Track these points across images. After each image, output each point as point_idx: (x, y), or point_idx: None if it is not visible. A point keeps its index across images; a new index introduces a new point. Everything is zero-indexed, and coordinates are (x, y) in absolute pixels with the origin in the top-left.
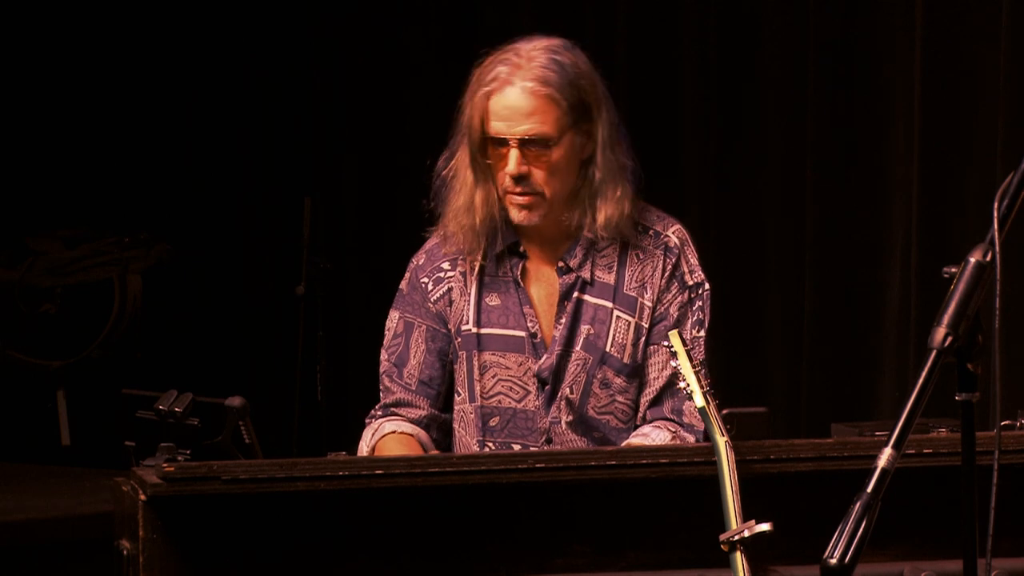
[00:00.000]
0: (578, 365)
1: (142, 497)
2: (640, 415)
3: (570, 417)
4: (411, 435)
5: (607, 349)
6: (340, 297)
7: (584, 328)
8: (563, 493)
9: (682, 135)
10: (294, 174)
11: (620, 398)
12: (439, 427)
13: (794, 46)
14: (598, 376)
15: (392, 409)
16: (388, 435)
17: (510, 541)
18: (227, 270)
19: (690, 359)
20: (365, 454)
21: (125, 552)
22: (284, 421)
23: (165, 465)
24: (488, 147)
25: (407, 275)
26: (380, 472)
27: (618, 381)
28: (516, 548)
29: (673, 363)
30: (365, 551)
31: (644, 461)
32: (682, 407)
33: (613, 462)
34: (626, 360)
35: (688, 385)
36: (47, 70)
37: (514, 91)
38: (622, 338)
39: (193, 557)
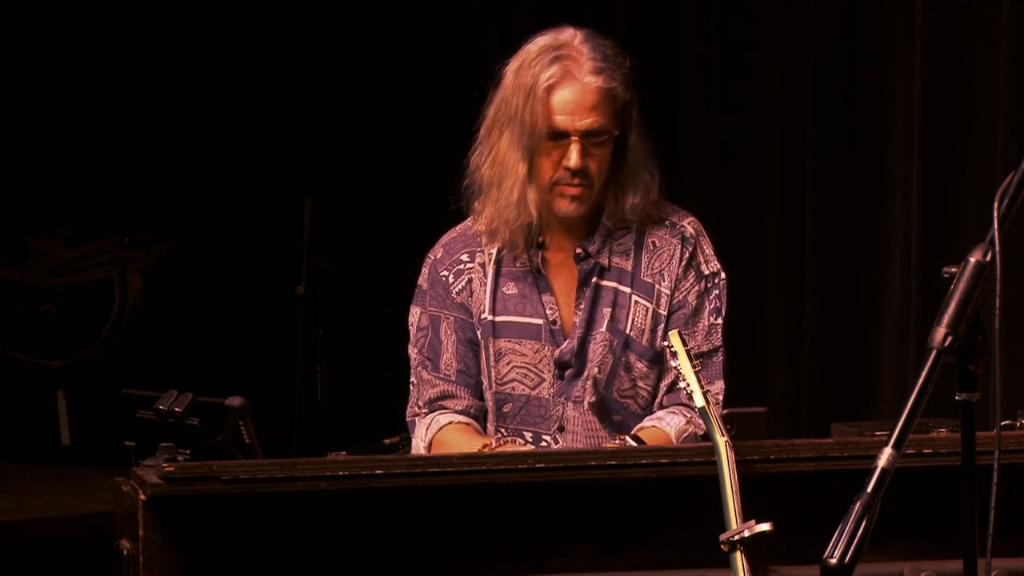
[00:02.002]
0: (604, 346)
1: (142, 497)
2: (657, 400)
3: (593, 398)
4: (467, 423)
5: (628, 332)
6: (340, 297)
7: (606, 311)
8: (563, 493)
9: (682, 135)
10: (294, 174)
11: (641, 383)
12: (483, 416)
13: (794, 46)
14: (622, 359)
15: (438, 403)
16: (446, 426)
17: (510, 541)
18: (227, 270)
19: (690, 358)
20: (422, 450)
21: (125, 552)
22: (284, 421)
23: (165, 465)
24: (542, 141)
25: (425, 271)
26: (380, 472)
27: (640, 366)
28: (516, 548)
29: (673, 363)
30: (365, 551)
31: (644, 461)
32: None
33: (613, 462)
34: (645, 344)
35: (688, 385)
36: (47, 70)
37: (578, 86)
38: (641, 323)
39: (193, 557)
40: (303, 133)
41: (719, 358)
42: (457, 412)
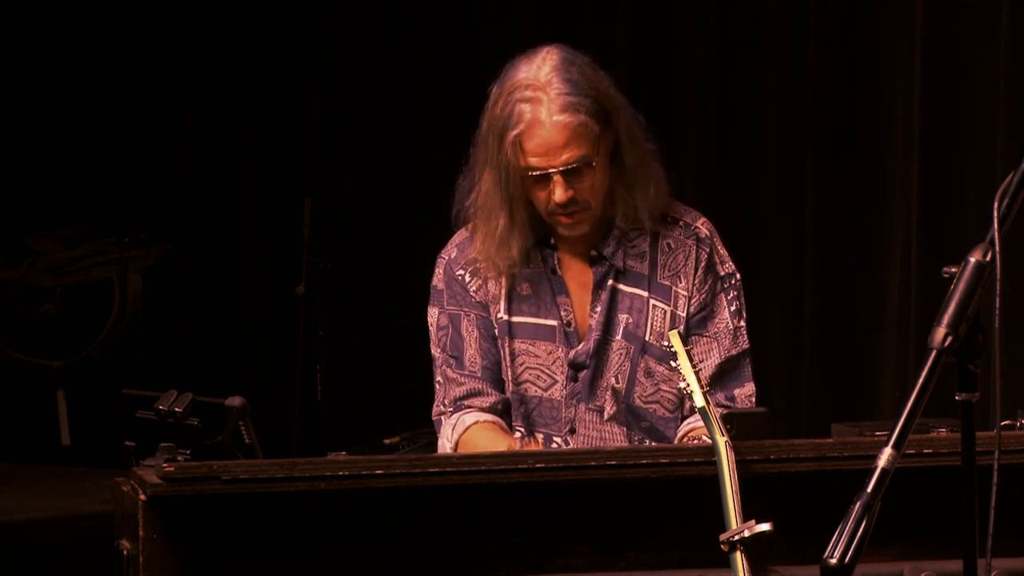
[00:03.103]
0: (621, 354)
1: (142, 497)
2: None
3: (613, 408)
4: (494, 422)
5: (646, 338)
6: (340, 297)
7: (623, 317)
8: (563, 493)
9: (682, 135)
10: (294, 174)
11: (664, 387)
12: (509, 411)
13: (794, 46)
14: (641, 365)
15: (463, 402)
16: (472, 427)
17: (510, 541)
18: (227, 270)
19: (690, 358)
20: (448, 450)
21: (125, 552)
22: (284, 421)
23: (165, 465)
24: (526, 179)
25: (439, 271)
26: (380, 472)
27: (660, 369)
28: (516, 548)
29: (673, 363)
30: (365, 551)
31: (644, 461)
32: (734, 393)
33: (613, 462)
34: (664, 347)
35: (688, 385)
36: (47, 70)
37: (545, 129)
38: (659, 326)
39: (193, 557)
40: (303, 133)
41: (748, 360)
42: (483, 410)
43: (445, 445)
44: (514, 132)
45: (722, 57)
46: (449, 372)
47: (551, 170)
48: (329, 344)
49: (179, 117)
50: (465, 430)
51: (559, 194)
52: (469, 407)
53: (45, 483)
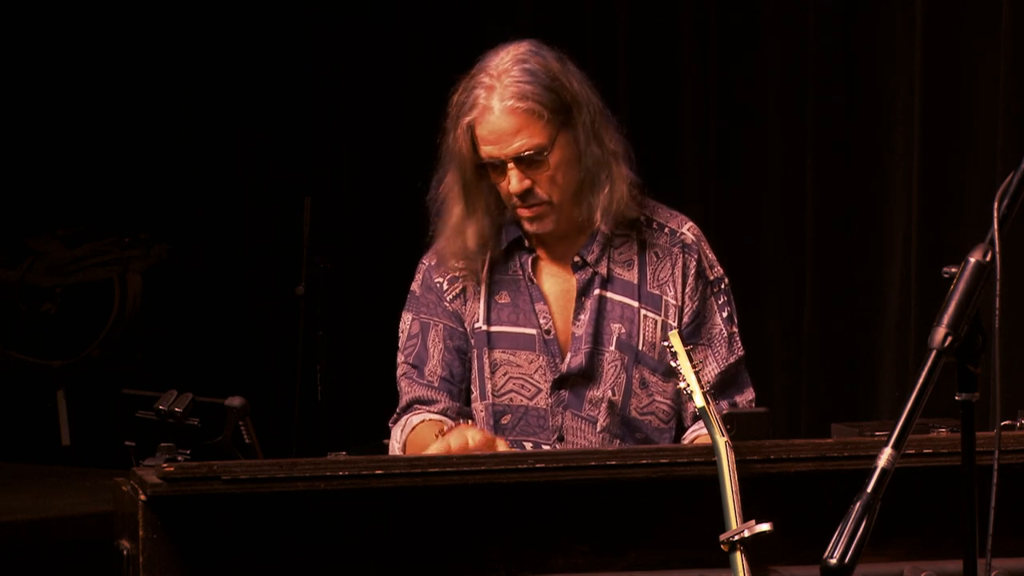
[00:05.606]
0: (615, 366)
1: (142, 497)
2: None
3: (607, 420)
4: (440, 420)
5: (640, 348)
6: (340, 297)
7: (615, 327)
8: (563, 493)
9: (682, 135)
10: (294, 174)
11: (659, 398)
12: (462, 419)
13: (794, 46)
14: (636, 376)
15: (414, 406)
16: (418, 425)
17: (510, 541)
18: (227, 270)
19: (690, 358)
20: (398, 451)
21: (125, 552)
22: (284, 421)
23: (165, 465)
24: (486, 170)
25: (418, 277)
26: (380, 472)
27: (654, 380)
28: (516, 548)
29: (673, 363)
30: (365, 551)
31: (644, 461)
32: (735, 400)
33: (613, 462)
34: (657, 357)
35: (688, 385)
36: (47, 70)
37: (495, 114)
38: (651, 336)
39: (193, 557)
40: (303, 133)
41: (744, 367)
42: (433, 412)
43: (394, 447)
44: (467, 119)
45: (722, 57)
46: (404, 384)
47: (503, 159)
48: (329, 344)
49: (179, 117)
50: (412, 429)
51: (514, 184)
52: (419, 410)
53: (45, 483)
